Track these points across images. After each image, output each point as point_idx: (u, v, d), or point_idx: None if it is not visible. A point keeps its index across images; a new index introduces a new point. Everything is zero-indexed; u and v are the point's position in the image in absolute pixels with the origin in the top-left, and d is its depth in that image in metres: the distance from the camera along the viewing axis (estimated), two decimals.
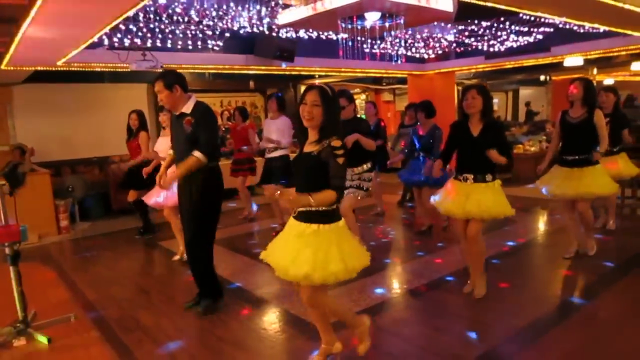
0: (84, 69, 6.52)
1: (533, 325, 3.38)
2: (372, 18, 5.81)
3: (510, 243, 5.45)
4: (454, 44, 8.37)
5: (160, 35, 5.89)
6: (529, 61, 8.37)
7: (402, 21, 5.72)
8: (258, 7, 6.08)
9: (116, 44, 5.61)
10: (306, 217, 2.58)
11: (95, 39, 4.56)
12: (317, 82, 12.50)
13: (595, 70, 11.58)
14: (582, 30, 6.74)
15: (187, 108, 3.62)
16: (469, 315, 3.66)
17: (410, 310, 3.85)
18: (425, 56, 8.91)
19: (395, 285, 4.39)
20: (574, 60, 9.00)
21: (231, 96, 11.71)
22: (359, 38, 7.30)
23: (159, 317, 3.84)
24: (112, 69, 6.72)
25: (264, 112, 12.24)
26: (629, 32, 5.81)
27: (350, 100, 4.79)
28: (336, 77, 11.96)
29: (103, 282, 4.81)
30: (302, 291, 2.69)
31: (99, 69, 6.71)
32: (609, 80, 16.43)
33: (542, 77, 16.44)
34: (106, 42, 5.52)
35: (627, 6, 4.07)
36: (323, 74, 10.80)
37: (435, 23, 7.40)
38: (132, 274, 5.13)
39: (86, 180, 8.07)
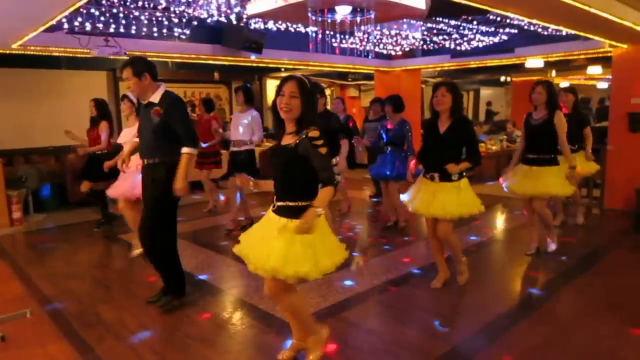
0: (41, 54, 6.19)
1: (498, 320, 3.47)
2: (342, 12, 5.80)
3: (473, 238, 5.58)
4: (421, 42, 8.46)
5: (124, 21, 5.66)
6: (493, 61, 8.55)
7: (372, 16, 5.74)
8: None
9: (76, 28, 5.34)
10: (287, 211, 2.51)
11: (54, 21, 4.32)
12: (283, 75, 12.41)
13: (554, 73, 11.97)
14: (546, 33, 6.94)
15: (155, 97, 3.51)
16: (435, 310, 3.70)
17: (378, 305, 3.86)
18: (393, 53, 8.96)
19: (362, 280, 4.40)
20: (535, 62, 9.26)
21: (195, 87, 11.44)
22: (328, 32, 7.29)
23: (120, 312, 3.71)
24: (71, 55, 6.42)
25: (229, 104, 12.04)
26: (590, 36, 6.00)
27: (321, 94, 4.75)
28: (303, 71, 11.87)
29: (60, 276, 4.61)
30: (267, 285, 2.64)
31: (57, 54, 6.39)
32: (564, 83, 17.10)
33: (502, 78, 16.94)
34: (66, 25, 5.25)
35: (592, 10, 4.19)
36: (290, 67, 10.70)
37: (405, 20, 7.45)
38: (90, 268, 4.93)
39: (41, 170, 7.73)
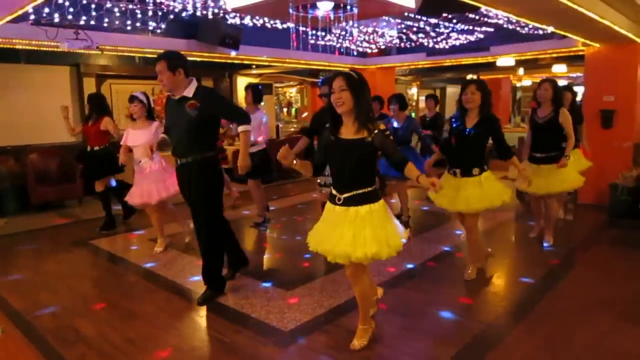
0: (1, 46, 5.77)
1: (492, 328, 3.42)
2: (324, 7, 5.66)
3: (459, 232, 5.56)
4: (397, 40, 8.42)
5: (94, 13, 5.31)
6: (467, 60, 8.61)
7: (355, 11, 5.62)
8: None
9: (43, 20, 4.97)
10: (355, 200, 2.70)
11: (22, 10, 3.98)
12: (254, 72, 12.15)
13: (522, 71, 12.20)
14: (523, 31, 7.01)
15: (189, 92, 3.51)
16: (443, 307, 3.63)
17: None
18: (368, 50, 8.89)
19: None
20: (506, 60, 9.40)
21: None
22: (303, 29, 7.14)
23: (101, 326, 3.46)
24: (35, 48, 6.01)
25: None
26: (567, 34, 6.07)
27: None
28: (276, 68, 11.66)
29: (29, 287, 4.29)
30: (348, 270, 2.86)
31: (20, 47, 5.96)
32: (527, 82, 17.51)
33: (469, 76, 17.21)
34: (32, 17, 4.87)
35: (576, 6, 4.21)
36: (262, 64, 10.47)
37: (384, 18, 7.38)
38: (63, 277, 4.58)
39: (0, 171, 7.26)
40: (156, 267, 4.71)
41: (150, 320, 3.54)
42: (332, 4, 5.60)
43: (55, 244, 5.70)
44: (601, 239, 5.57)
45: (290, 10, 5.55)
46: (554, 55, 7.81)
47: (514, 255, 5.09)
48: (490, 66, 10.21)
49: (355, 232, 2.64)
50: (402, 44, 8.38)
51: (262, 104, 6.10)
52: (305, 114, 15.17)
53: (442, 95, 19.22)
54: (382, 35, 8.14)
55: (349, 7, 5.34)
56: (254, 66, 11.59)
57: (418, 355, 2.98)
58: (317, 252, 2.85)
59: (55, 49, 6.32)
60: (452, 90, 19.69)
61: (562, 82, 6.99)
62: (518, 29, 6.88)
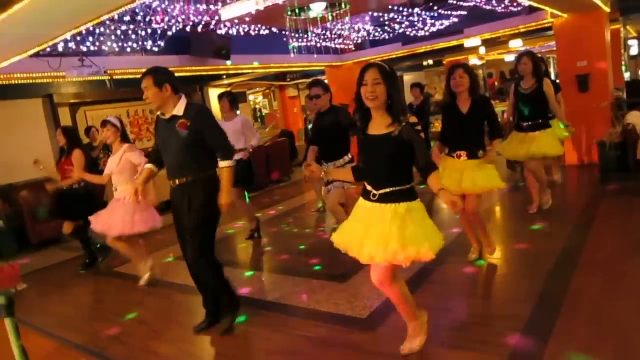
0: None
1: (548, 285, 3.63)
2: (318, 8, 5.80)
3: None
4: (370, 33, 8.64)
5: (90, 38, 5.22)
6: (443, 44, 8.95)
7: (348, 9, 5.79)
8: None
9: (40, 52, 4.84)
10: (393, 197, 2.56)
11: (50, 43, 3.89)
12: (225, 82, 12.08)
13: (483, 50, 12.72)
14: (501, 10, 7.35)
15: (179, 110, 3.29)
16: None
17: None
18: (344, 47, 9.07)
19: None
20: (473, 41, 9.81)
21: (138, 105, 10.75)
22: (284, 32, 7.24)
23: (177, 344, 3.46)
24: (4, 82, 5.79)
25: None
26: (540, 5, 6.41)
27: (325, 90, 4.62)
28: (247, 75, 11.65)
29: (78, 321, 4.20)
30: (378, 274, 2.67)
31: (21, 82, 5.76)
32: (474, 61, 18.16)
33: (425, 63, 17.78)
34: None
35: None
36: (234, 72, 10.45)
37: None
38: (108, 307, 4.52)
39: None
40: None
41: (237, 334, 3.52)
42: (324, 4, 5.76)
43: (77, 276, 5.53)
44: (605, 193, 5.96)
45: (286, 15, 5.67)
46: (523, 30, 8.23)
47: (523, 221, 5.14)
48: (458, 49, 10.60)
49: (394, 231, 2.47)
50: (381, 36, 8.60)
51: (239, 112, 5.88)
52: (272, 125, 15.19)
53: (401, 83, 19.73)
54: (358, 31, 8.34)
55: (343, 4, 5.52)
56: (224, 76, 11.54)
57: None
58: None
59: (28, 82, 6.11)
60: (408, 78, 20.21)
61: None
62: (490, 8, 7.22)
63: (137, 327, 3.92)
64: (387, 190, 2.56)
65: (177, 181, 3.36)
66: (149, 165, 3.63)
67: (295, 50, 6.51)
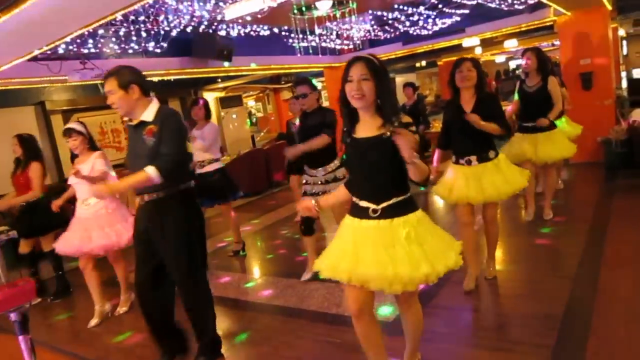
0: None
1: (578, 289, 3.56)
2: (324, 7, 5.71)
3: None
4: (372, 33, 8.57)
5: (91, 40, 5.06)
6: (444, 43, 8.91)
7: (354, 6, 5.70)
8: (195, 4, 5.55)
9: (39, 55, 4.66)
10: (399, 210, 2.20)
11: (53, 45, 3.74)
12: (220, 85, 11.93)
13: (480, 49, 12.72)
14: (504, 7, 7.30)
15: (149, 115, 2.87)
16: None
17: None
18: (343, 47, 8.99)
19: None
20: (471, 41, 9.79)
21: None
22: (285, 32, 7.14)
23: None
24: (30, 86, 5.61)
25: None
26: (547, 1, 6.38)
27: (312, 88, 4.10)
28: (243, 78, 11.54)
29: (86, 334, 4.02)
30: (402, 301, 2.33)
31: (17, 87, 5.56)
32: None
33: (417, 64, 17.81)
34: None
35: None
36: (232, 74, 10.33)
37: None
38: (116, 318, 4.34)
39: None
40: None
41: (261, 342, 3.40)
42: (330, 2, 5.67)
43: (78, 287, 5.30)
44: (614, 190, 5.92)
45: (292, 15, 5.56)
46: (524, 28, 8.22)
47: (536, 223, 4.99)
48: (455, 49, 10.59)
49: (415, 249, 2.13)
50: (383, 36, 8.52)
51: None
52: (267, 129, 15.05)
53: (393, 85, 19.70)
54: (363, 30, 8.27)
55: (350, 1, 5.43)
56: (219, 80, 11.42)
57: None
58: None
59: (22, 87, 5.89)
60: (400, 80, 20.25)
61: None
62: (493, 6, 7.18)
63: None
64: (391, 202, 2.19)
65: (146, 197, 2.92)
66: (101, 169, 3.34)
67: (301, 50, 6.39)
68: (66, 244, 4.01)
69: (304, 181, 4.20)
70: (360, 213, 2.26)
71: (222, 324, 3.54)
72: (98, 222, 3.97)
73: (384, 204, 2.19)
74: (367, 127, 2.23)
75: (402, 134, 2.03)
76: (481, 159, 3.44)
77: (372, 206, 2.21)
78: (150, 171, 2.71)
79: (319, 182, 4.03)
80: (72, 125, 4.07)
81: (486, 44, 11.83)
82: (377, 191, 2.22)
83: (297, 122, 4.56)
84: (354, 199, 2.31)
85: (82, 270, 4.15)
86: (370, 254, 2.16)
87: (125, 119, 3.02)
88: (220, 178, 5.15)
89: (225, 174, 5.25)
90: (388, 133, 2.13)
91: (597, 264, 3.74)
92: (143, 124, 2.88)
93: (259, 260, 5.60)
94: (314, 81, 4.22)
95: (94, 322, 4.13)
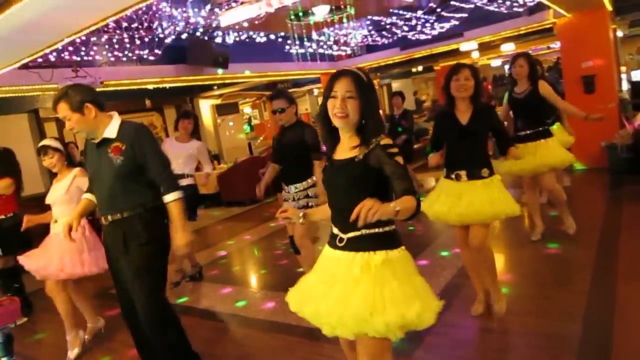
0: None
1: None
2: (321, 12, 5.58)
3: None
4: (369, 38, 8.46)
5: (83, 48, 4.90)
6: (442, 48, 8.80)
7: (352, 12, 5.57)
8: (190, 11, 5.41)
9: (30, 63, 4.50)
10: (364, 243, 1.95)
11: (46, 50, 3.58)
12: (216, 92, 11.78)
13: (476, 54, 12.62)
14: (503, 9, 7.20)
15: (111, 132, 2.73)
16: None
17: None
18: (340, 53, 8.87)
19: None
20: (469, 45, 9.68)
21: (131, 118, 10.42)
22: (281, 39, 7.01)
23: None
24: (22, 94, 5.45)
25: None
26: (548, 2, 6.27)
27: (290, 101, 3.89)
28: (238, 85, 11.40)
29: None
30: (363, 348, 1.94)
31: (8, 95, 5.40)
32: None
33: (413, 69, 17.72)
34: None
35: None
36: (226, 82, 10.19)
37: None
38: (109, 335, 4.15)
39: None
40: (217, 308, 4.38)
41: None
42: (328, 7, 5.54)
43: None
44: (621, 197, 5.79)
45: (288, 21, 5.43)
46: (523, 32, 8.13)
47: (546, 233, 4.73)
48: (452, 53, 10.48)
49: (363, 289, 1.87)
50: (380, 41, 8.41)
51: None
52: (263, 136, 14.89)
53: (389, 90, 19.60)
54: (355, 36, 8.14)
55: (348, 7, 5.30)
56: (215, 87, 11.28)
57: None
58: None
59: (14, 95, 5.76)
60: (395, 85, 20.15)
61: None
62: (492, 8, 7.08)
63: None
64: (357, 233, 1.95)
65: (110, 217, 2.78)
66: (87, 195, 3.00)
67: (300, 56, 6.25)
68: (29, 261, 3.67)
69: (283, 199, 4.07)
70: (332, 241, 2.06)
71: (217, 342, 3.37)
72: (76, 246, 3.51)
73: (350, 234, 1.97)
74: (344, 148, 2.04)
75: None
76: (471, 175, 3.15)
77: (340, 235, 2.01)
78: (174, 196, 2.73)
79: (291, 199, 3.91)
80: (46, 142, 3.80)
81: (483, 48, 11.73)
82: (345, 219, 1.86)
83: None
84: (332, 224, 2.11)
85: (51, 293, 3.76)
86: (324, 289, 1.97)
87: (88, 137, 2.82)
88: (191, 194, 4.82)
89: (196, 191, 5.12)
90: (361, 156, 1.94)
91: (612, 277, 3.59)
92: (106, 141, 2.74)
93: (256, 272, 5.44)
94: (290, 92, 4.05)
95: (86, 338, 3.93)
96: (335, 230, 2.04)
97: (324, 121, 2.04)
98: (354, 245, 1.96)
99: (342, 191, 2.02)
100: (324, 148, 2.30)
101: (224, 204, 9.27)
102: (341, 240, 2.00)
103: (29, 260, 3.69)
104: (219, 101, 12.22)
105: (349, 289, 1.89)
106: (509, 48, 12.72)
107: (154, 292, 2.78)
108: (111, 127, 2.74)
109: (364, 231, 1.93)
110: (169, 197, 2.73)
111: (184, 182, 4.84)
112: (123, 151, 2.69)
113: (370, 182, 1.94)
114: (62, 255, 3.56)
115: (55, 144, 3.82)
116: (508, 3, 6.57)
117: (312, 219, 2.34)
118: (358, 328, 1.84)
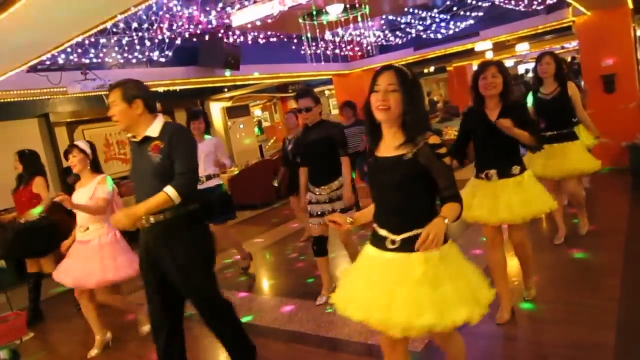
0: None
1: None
2: (335, 11, 5.46)
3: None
4: (382, 38, 8.32)
5: (92, 50, 4.83)
6: (457, 47, 8.64)
7: (367, 11, 5.44)
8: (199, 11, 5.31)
9: (38, 65, 4.44)
10: (415, 244, 1.88)
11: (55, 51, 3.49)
12: (227, 95, 11.71)
13: (490, 54, 12.44)
14: (521, 7, 7.01)
15: (154, 131, 2.72)
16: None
17: None
18: (352, 54, 8.75)
19: None
20: (484, 44, 9.50)
21: None
22: (294, 39, 6.90)
23: None
24: (31, 98, 5.40)
25: None
26: (574, 3, 6.11)
27: (316, 101, 3.86)
28: (249, 87, 11.31)
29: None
30: (440, 338, 2.11)
31: (16, 99, 5.34)
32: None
33: (425, 70, 17.55)
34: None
35: None
36: (237, 83, 10.11)
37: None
38: (123, 345, 4.06)
39: None
40: None
41: None
42: (342, 7, 5.42)
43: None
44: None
45: (301, 20, 5.31)
46: (541, 30, 7.95)
47: (570, 235, 4.60)
48: (466, 53, 10.32)
49: (425, 292, 1.90)
50: (394, 42, 8.27)
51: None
52: (274, 139, 14.79)
53: None
54: (367, 36, 8.03)
55: (363, 5, 5.16)
56: (225, 89, 11.21)
57: None
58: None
59: (24, 99, 5.70)
60: None
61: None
62: (509, 6, 6.90)
63: None
64: (410, 233, 1.96)
65: (152, 218, 2.71)
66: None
67: (312, 57, 6.14)
68: (66, 274, 3.69)
69: (308, 200, 3.96)
70: (379, 242, 2.06)
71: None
72: (101, 253, 3.65)
73: (404, 235, 1.98)
74: (389, 145, 2.04)
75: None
76: (502, 173, 3.10)
77: (390, 236, 2.01)
78: (170, 192, 2.59)
79: (324, 201, 3.83)
80: (77, 142, 3.90)
81: (497, 47, 11.55)
82: (396, 220, 2.02)
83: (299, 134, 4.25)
84: (374, 225, 2.11)
85: (78, 299, 3.83)
86: (378, 291, 1.96)
87: (129, 135, 2.84)
88: (220, 195, 4.93)
89: (225, 191, 5.06)
90: (410, 155, 1.96)
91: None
92: (147, 139, 2.73)
93: (270, 278, 5.32)
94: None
95: (93, 352, 3.82)
96: (383, 232, 2.03)
97: (368, 117, 2.06)
98: (407, 247, 1.95)
99: (390, 190, 2.02)
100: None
101: (236, 207, 9.15)
102: (393, 242, 2.00)
103: (64, 276, 3.69)
104: (229, 103, 12.14)
105: (412, 292, 1.90)
106: (523, 48, 12.57)
107: (205, 288, 2.84)
108: (154, 126, 2.74)
109: (416, 231, 1.93)
110: (168, 188, 2.59)
111: (211, 183, 4.87)
112: (161, 149, 2.68)
113: (421, 181, 1.97)
114: (102, 263, 3.61)
115: (83, 145, 3.87)
116: (526, 1, 6.38)
117: (360, 222, 2.28)
118: (430, 329, 1.89)
